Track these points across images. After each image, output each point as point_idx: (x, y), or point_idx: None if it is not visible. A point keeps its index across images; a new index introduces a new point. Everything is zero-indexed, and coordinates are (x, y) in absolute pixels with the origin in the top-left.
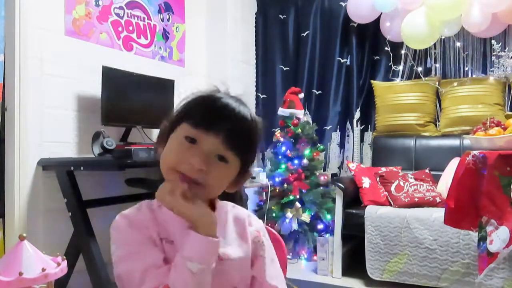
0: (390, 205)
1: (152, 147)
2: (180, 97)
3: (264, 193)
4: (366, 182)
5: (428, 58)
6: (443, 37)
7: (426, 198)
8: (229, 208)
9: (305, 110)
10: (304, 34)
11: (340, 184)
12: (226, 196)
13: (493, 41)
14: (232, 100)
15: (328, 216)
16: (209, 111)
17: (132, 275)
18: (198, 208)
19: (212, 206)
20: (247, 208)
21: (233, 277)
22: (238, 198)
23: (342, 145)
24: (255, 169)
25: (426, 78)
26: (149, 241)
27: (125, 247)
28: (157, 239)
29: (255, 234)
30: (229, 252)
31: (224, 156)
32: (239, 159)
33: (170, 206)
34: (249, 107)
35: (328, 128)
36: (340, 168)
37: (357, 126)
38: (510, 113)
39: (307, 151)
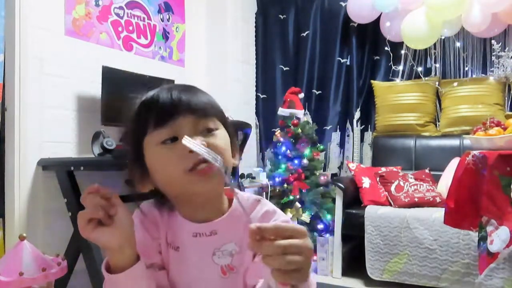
0: (390, 205)
1: None
2: None
3: (264, 193)
4: (366, 182)
5: (428, 58)
6: (443, 37)
7: (426, 198)
8: (250, 204)
9: (305, 110)
10: (304, 34)
11: (340, 184)
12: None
13: (493, 41)
14: (168, 87)
15: (328, 216)
16: (160, 104)
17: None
18: (106, 236)
19: (230, 202)
20: None
21: (250, 281)
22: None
23: (342, 145)
24: (255, 169)
25: (426, 78)
26: (151, 242)
27: None
28: (163, 239)
29: (262, 213)
30: (236, 264)
31: (209, 128)
32: (219, 122)
33: (85, 235)
34: (195, 87)
35: (328, 128)
36: (340, 168)
37: (357, 126)
38: (510, 113)
39: (307, 151)
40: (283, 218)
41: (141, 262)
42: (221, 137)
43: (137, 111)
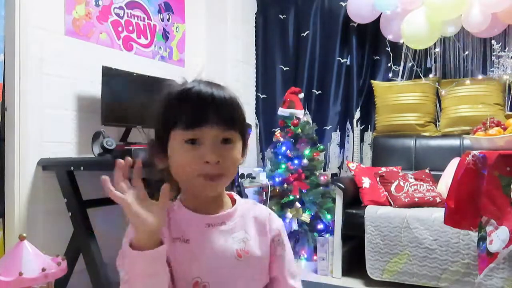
0: (390, 205)
1: None
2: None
3: (264, 193)
4: (366, 182)
5: (428, 58)
6: (443, 37)
7: (426, 198)
8: (250, 206)
9: (305, 110)
10: (304, 34)
11: (340, 184)
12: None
13: (493, 41)
14: (204, 86)
15: (328, 216)
16: (191, 108)
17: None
18: (148, 217)
19: (232, 201)
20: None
21: (252, 274)
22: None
23: (342, 145)
24: (255, 169)
25: (426, 78)
26: None
27: None
28: (168, 238)
29: (276, 232)
30: (250, 249)
31: (227, 138)
32: (237, 133)
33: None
34: (222, 85)
35: (328, 128)
36: (340, 168)
37: (357, 126)
38: (510, 113)
39: (307, 151)
40: (277, 223)
41: (164, 246)
42: (235, 149)
43: (171, 101)
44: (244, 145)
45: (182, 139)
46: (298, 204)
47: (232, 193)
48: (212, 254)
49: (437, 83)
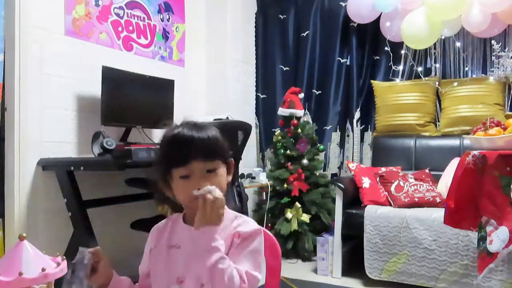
0: (390, 205)
1: (152, 147)
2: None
3: (264, 193)
4: (366, 182)
5: (428, 58)
6: (443, 37)
7: (426, 198)
8: (232, 219)
9: (305, 110)
10: (304, 34)
11: (340, 184)
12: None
13: (493, 41)
14: (187, 129)
15: (328, 216)
16: (179, 150)
17: (140, 269)
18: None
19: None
20: (247, 208)
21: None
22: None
23: (342, 145)
24: (255, 169)
25: (426, 78)
26: (148, 253)
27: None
28: (164, 245)
29: (233, 234)
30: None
31: (210, 169)
32: (219, 161)
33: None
34: (205, 125)
35: (328, 128)
36: (340, 168)
37: (357, 126)
38: (510, 113)
39: (307, 151)
40: (242, 230)
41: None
42: (218, 175)
43: (165, 146)
44: (228, 167)
45: (178, 176)
46: (298, 204)
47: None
48: (195, 258)
49: (437, 83)
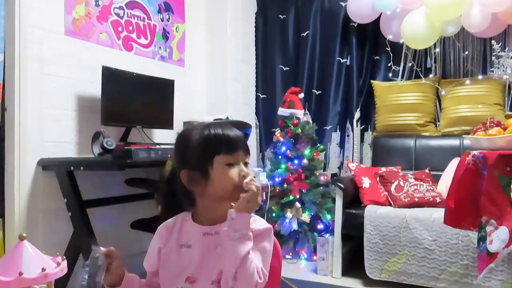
0: (390, 205)
1: (152, 147)
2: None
3: (264, 193)
4: (366, 182)
5: (428, 58)
6: (443, 37)
7: (426, 198)
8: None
9: (305, 110)
10: (304, 34)
11: (340, 184)
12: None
13: (493, 41)
14: (228, 127)
15: (328, 216)
16: (227, 142)
17: (146, 268)
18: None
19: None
20: None
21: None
22: None
23: (342, 145)
24: (255, 169)
25: (426, 78)
26: (156, 253)
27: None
28: (174, 244)
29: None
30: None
31: (247, 161)
32: (249, 157)
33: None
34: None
35: (328, 128)
36: (340, 168)
37: (357, 126)
38: (510, 113)
39: (307, 151)
40: (258, 226)
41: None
42: (249, 169)
43: (206, 141)
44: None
45: (224, 163)
46: (298, 204)
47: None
48: (204, 258)
49: (437, 83)
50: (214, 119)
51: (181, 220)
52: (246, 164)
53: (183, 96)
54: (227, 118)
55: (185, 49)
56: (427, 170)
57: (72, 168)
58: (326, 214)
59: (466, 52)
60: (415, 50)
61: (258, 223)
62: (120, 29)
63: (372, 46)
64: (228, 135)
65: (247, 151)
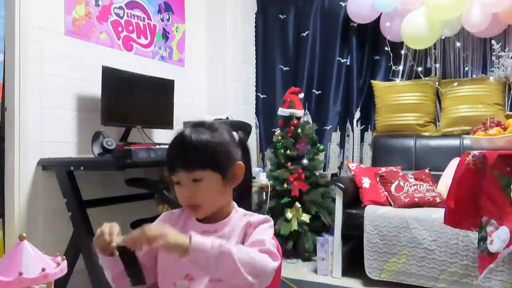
0: (390, 205)
1: (152, 147)
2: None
3: (264, 193)
4: (366, 182)
5: (428, 58)
6: (443, 37)
7: (426, 198)
8: (241, 217)
9: (305, 110)
10: (304, 34)
11: (340, 184)
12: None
13: (493, 41)
14: (188, 132)
15: (328, 216)
16: (169, 157)
17: None
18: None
19: (227, 215)
20: (251, 206)
21: None
22: (245, 197)
23: (342, 145)
24: (255, 169)
25: (426, 78)
26: None
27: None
28: None
29: (246, 224)
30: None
31: (195, 178)
32: (210, 171)
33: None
34: (214, 127)
35: (328, 128)
36: (340, 168)
37: (357, 126)
38: (510, 113)
39: (307, 151)
40: (253, 220)
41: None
42: (207, 185)
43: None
44: (229, 181)
45: (174, 181)
46: (298, 204)
47: (236, 207)
48: None
49: (437, 83)
50: (214, 119)
51: (185, 216)
52: (197, 180)
53: (183, 96)
54: (227, 118)
55: (185, 49)
56: (427, 170)
57: (72, 168)
58: (326, 214)
59: (466, 52)
60: (415, 50)
61: (256, 216)
62: (120, 29)
63: (372, 46)
64: (169, 154)
65: (192, 166)
